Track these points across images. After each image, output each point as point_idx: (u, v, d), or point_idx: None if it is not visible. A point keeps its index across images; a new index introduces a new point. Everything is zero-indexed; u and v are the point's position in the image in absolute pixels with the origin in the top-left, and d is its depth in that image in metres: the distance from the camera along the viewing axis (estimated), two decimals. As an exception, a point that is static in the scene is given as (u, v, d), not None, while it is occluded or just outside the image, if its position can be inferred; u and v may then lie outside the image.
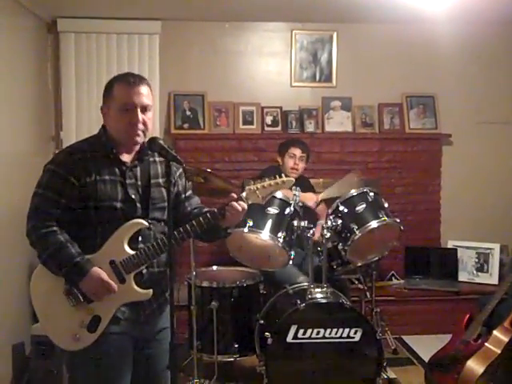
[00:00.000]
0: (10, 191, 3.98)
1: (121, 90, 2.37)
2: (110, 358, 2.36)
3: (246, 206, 2.42)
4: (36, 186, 2.37)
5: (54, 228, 2.32)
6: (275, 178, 2.47)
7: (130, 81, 2.37)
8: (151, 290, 2.39)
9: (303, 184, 4.45)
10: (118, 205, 2.35)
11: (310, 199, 4.36)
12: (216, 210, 2.41)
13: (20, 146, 4.34)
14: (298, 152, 4.52)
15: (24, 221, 2.36)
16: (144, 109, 2.37)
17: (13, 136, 4.16)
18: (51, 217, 2.32)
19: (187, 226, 2.37)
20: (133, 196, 2.38)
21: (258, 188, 2.43)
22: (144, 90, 2.38)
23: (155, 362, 2.49)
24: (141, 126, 2.37)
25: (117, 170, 2.38)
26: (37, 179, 2.39)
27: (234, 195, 2.44)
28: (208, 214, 2.40)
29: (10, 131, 4.11)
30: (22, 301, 4.10)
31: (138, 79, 2.40)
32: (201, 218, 2.38)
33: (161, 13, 5.02)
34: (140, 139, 2.39)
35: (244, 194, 2.43)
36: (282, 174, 2.50)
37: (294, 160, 4.51)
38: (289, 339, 3.54)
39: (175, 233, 2.35)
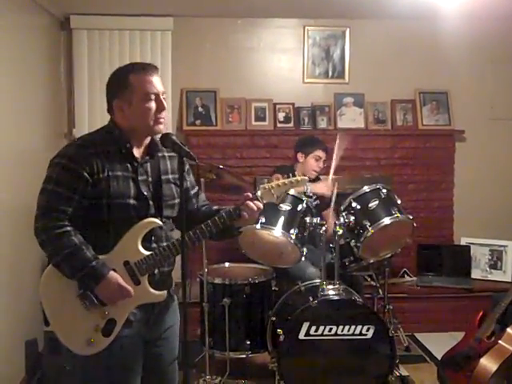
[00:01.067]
0: (23, 188, 3.99)
1: (141, 79, 2.27)
2: (123, 361, 2.31)
3: (261, 206, 2.39)
4: (44, 182, 2.24)
5: (68, 228, 2.20)
6: (289, 176, 2.45)
7: (147, 69, 2.31)
8: (165, 292, 2.35)
9: (313, 180, 4.48)
10: (131, 202, 2.27)
11: (321, 188, 4.36)
12: (232, 210, 2.36)
13: (33, 143, 4.36)
14: (323, 155, 4.55)
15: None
16: (163, 96, 2.34)
17: (26, 133, 4.18)
18: (64, 215, 2.20)
19: (203, 226, 2.32)
20: (145, 193, 2.31)
21: (272, 187, 2.40)
22: (158, 77, 2.34)
23: (163, 359, 2.46)
24: (165, 113, 2.33)
25: (129, 165, 2.30)
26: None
27: (250, 194, 2.39)
28: (224, 214, 2.35)
29: (23, 128, 4.12)
30: (35, 297, 4.09)
31: (153, 67, 2.35)
32: (216, 218, 2.33)
33: (173, 9, 5.02)
34: (163, 128, 2.33)
35: (259, 193, 2.38)
36: (296, 173, 2.49)
37: (319, 163, 4.53)
38: (301, 336, 3.54)
39: (191, 233, 2.30)
